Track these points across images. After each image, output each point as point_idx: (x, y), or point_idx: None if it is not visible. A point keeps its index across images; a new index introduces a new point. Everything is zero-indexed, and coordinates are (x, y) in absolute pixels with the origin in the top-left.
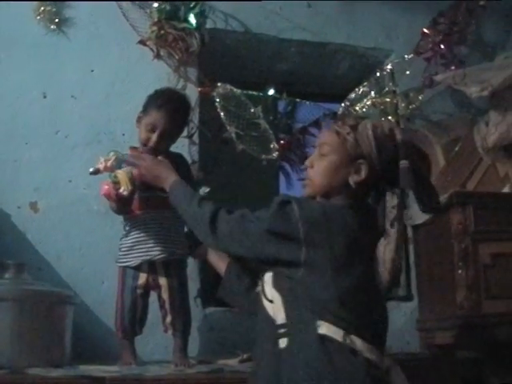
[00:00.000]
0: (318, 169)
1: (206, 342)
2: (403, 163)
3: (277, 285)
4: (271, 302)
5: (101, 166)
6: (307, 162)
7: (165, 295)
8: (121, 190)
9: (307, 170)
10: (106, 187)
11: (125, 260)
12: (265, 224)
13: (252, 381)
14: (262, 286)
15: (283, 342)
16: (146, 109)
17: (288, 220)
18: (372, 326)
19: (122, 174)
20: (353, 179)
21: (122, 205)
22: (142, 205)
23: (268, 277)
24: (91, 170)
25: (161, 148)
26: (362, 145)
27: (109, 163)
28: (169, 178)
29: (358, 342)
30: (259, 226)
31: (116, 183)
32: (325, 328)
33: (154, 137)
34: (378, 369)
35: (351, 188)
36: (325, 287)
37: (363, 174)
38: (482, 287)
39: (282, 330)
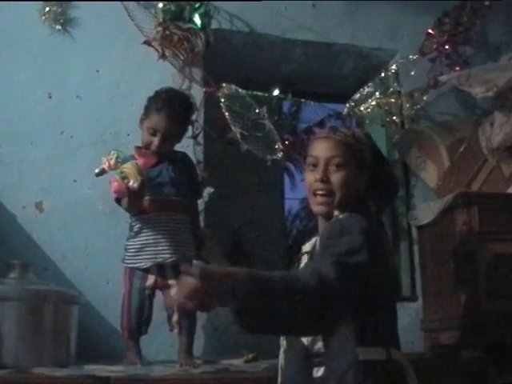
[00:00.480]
0: (338, 182)
1: (210, 341)
2: None
3: None
4: None
5: (105, 166)
6: (319, 177)
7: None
8: (130, 183)
9: (321, 185)
10: (116, 183)
11: (134, 261)
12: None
13: None
14: None
15: (319, 371)
16: (146, 111)
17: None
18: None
19: (128, 167)
20: (363, 187)
21: (134, 198)
22: (151, 207)
23: None
24: (96, 171)
25: (164, 150)
26: (365, 152)
27: (112, 162)
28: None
29: (394, 352)
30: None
31: (124, 178)
32: (364, 353)
33: (156, 140)
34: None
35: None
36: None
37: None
38: (487, 287)
39: (317, 359)
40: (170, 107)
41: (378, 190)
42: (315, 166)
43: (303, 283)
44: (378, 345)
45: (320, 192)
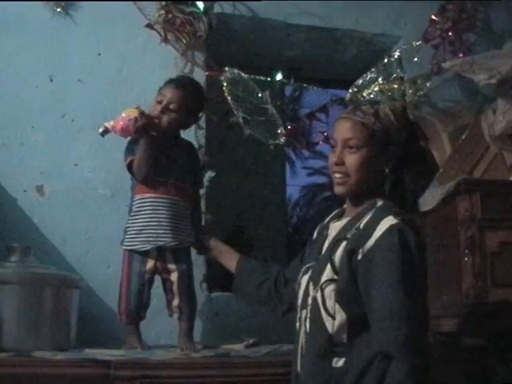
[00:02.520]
0: (352, 164)
1: (211, 327)
2: None
3: (342, 302)
4: (333, 317)
5: (108, 125)
6: (335, 160)
7: (174, 279)
8: (136, 115)
9: (336, 168)
10: (121, 123)
11: (133, 243)
12: None
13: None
14: (323, 298)
15: (339, 362)
16: (159, 91)
17: None
18: None
19: (127, 110)
20: (387, 167)
21: (142, 131)
22: (154, 189)
23: (330, 290)
24: (100, 130)
25: (164, 121)
26: (389, 131)
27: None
28: None
29: None
30: None
31: (126, 117)
32: None
33: (159, 107)
34: None
35: (383, 179)
36: None
37: (394, 160)
38: (488, 275)
39: (340, 349)
40: (180, 81)
41: (412, 169)
42: (333, 147)
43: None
44: None
45: (336, 175)
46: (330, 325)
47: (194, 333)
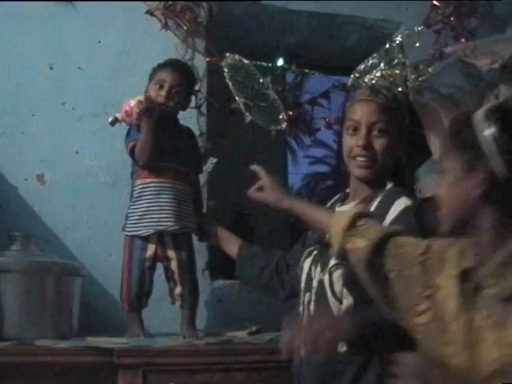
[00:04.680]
0: (380, 149)
1: (213, 314)
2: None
3: (350, 286)
4: (340, 301)
5: (118, 115)
6: (362, 143)
7: (174, 267)
8: (139, 99)
9: (364, 152)
10: (126, 108)
11: (134, 229)
12: None
13: (299, 374)
14: (331, 281)
15: (344, 346)
16: (150, 77)
17: None
18: None
19: (135, 98)
20: (404, 153)
21: (146, 114)
22: (155, 173)
23: (338, 274)
24: (110, 119)
25: (173, 106)
26: (406, 118)
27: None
28: None
29: None
30: None
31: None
32: None
33: (163, 91)
34: None
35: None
36: None
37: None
38: None
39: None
40: (176, 63)
41: (413, 157)
42: (356, 130)
43: None
44: None
45: (361, 159)
46: (337, 309)
47: (196, 320)
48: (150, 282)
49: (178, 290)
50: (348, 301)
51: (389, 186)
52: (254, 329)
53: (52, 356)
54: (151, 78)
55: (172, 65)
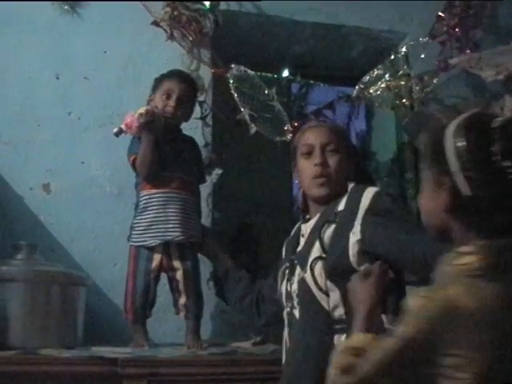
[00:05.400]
0: (334, 164)
1: (217, 324)
2: None
3: (333, 279)
4: (326, 294)
5: (122, 126)
6: (320, 162)
7: (179, 277)
8: (141, 111)
9: (321, 170)
10: (128, 120)
11: (140, 239)
12: None
13: (290, 374)
14: (313, 277)
15: (340, 338)
16: (155, 87)
17: None
18: None
19: (142, 108)
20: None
21: (144, 128)
22: (161, 184)
23: (319, 268)
24: (115, 130)
25: (180, 116)
26: (350, 142)
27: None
28: None
29: None
30: None
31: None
32: (389, 320)
33: (172, 101)
34: None
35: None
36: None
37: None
38: None
39: (339, 326)
40: (181, 74)
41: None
42: (310, 153)
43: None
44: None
45: (320, 178)
46: (326, 303)
47: (201, 330)
48: (155, 292)
49: (182, 300)
50: (335, 293)
51: (350, 185)
52: (257, 339)
53: (56, 365)
54: (156, 88)
55: (179, 75)
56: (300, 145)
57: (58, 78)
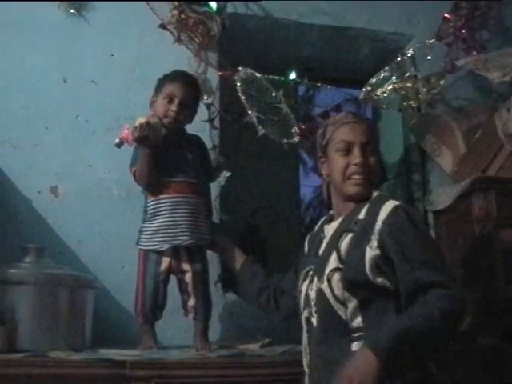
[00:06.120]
0: (374, 165)
1: (225, 327)
2: None
3: (351, 290)
4: (344, 305)
5: (123, 140)
6: (360, 161)
7: (188, 279)
8: (135, 125)
9: (360, 170)
10: (126, 131)
11: (149, 243)
12: None
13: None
14: (331, 287)
15: (357, 346)
16: (157, 89)
17: None
18: None
19: (140, 119)
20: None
21: (139, 141)
22: (167, 189)
23: (337, 279)
24: (115, 141)
25: (182, 120)
26: None
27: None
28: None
29: None
30: None
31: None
32: None
33: (174, 106)
34: None
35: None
36: None
37: None
38: (503, 274)
39: (357, 334)
40: (184, 76)
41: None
42: (347, 150)
43: (442, 314)
44: None
45: (359, 176)
46: (343, 313)
47: (209, 333)
48: (164, 294)
49: (191, 302)
50: (352, 304)
51: (375, 193)
52: (266, 341)
53: (65, 368)
54: (158, 90)
55: (181, 78)
56: (335, 140)
57: (65, 82)
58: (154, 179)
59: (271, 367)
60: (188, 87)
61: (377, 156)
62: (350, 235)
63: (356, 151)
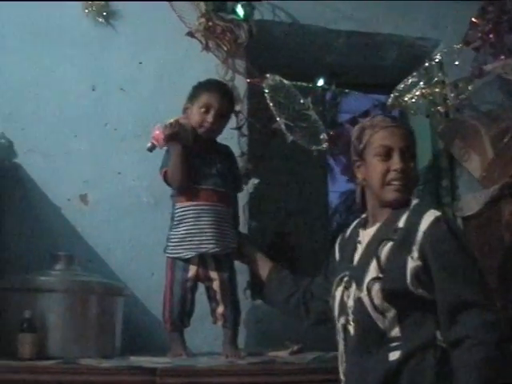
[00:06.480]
0: (413, 171)
1: (254, 333)
2: None
3: (390, 299)
4: (383, 315)
5: (154, 141)
6: (400, 167)
7: (216, 287)
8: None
9: (400, 176)
10: (157, 132)
11: (175, 251)
12: None
13: None
14: (370, 297)
15: (394, 355)
16: (193, 97)
17: None
18: None
19: (170, 120)
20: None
21: (171, 139)
22: (194, 196)
23: (376, 289)
24: (147, 146)
25: (216, 130)
26: None
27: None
28: None
29: None
30: None
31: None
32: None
33: (210, 117)
34: None
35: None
36: None
37: None
38: None
39: (394, 344)
40: (221, 87)
41: None
42: (387, 155)
43: (492, 342)
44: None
45: (398, 182)
46: (381, 322)
47: (238, 340)
48: (192, 301)
49: (220, 309)
50: (391, 313)
51: (414, 201)
52: (295, 348)
53: (95, 375)
54: (193, 98)
55: (219, 89)
56: (374, 144)
57: (94, 90)
58: (185, 179)
59: (302, 374)
60: (225, 98)
61: (415, 161)
62: (390, 244)
63: (396, 157)
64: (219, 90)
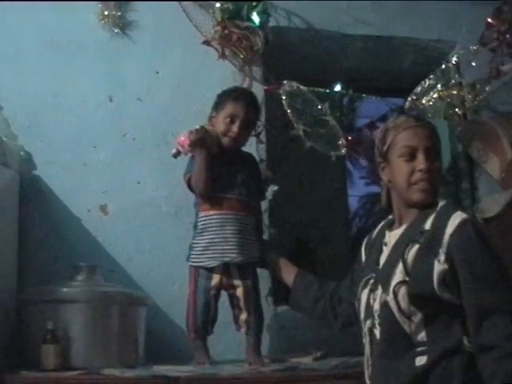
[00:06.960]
0: (438, 171)
1: (277, 340)
2: None
3: (417, 303)
4: (409, 319)
5: (180, 147)
6: (426, 168)
7: (240, 294)
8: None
9: (426, 176)
10: (182, 138)
11: (199, 260)
12: None
13: None
14: (396, 300)
15: (422, 360)
16: (218, 105)
17: None
18: None
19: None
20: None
21: (196, 144)
22: (218, 205)
23: (403, 292)
24: (172, 152)
25: (240, 140)
26: None
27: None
28: None
29: None
30: None
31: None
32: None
33: (235, 127)
34: None
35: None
36: None
37: None
38: None
39: (421, 348)
40: (247, 96)
41: None
42: (412, 155)
43: None
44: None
45: (423, 182)
46: (408, 326)
47: (261, 347)
48: (215, 309)
49: (243, 316)
50: (417, 317)
51: (441, 203)
52: (319, 354)
53: None
54: (219, 107)
55: (245, 99)
56: (398, 145)
57: (111, 100)
58: (209, 185)
59: (325, 381)
60: (250, 108)
61: (440, 161)
62: (417, 246)
63: (420, 157)
64: (245, 100)
